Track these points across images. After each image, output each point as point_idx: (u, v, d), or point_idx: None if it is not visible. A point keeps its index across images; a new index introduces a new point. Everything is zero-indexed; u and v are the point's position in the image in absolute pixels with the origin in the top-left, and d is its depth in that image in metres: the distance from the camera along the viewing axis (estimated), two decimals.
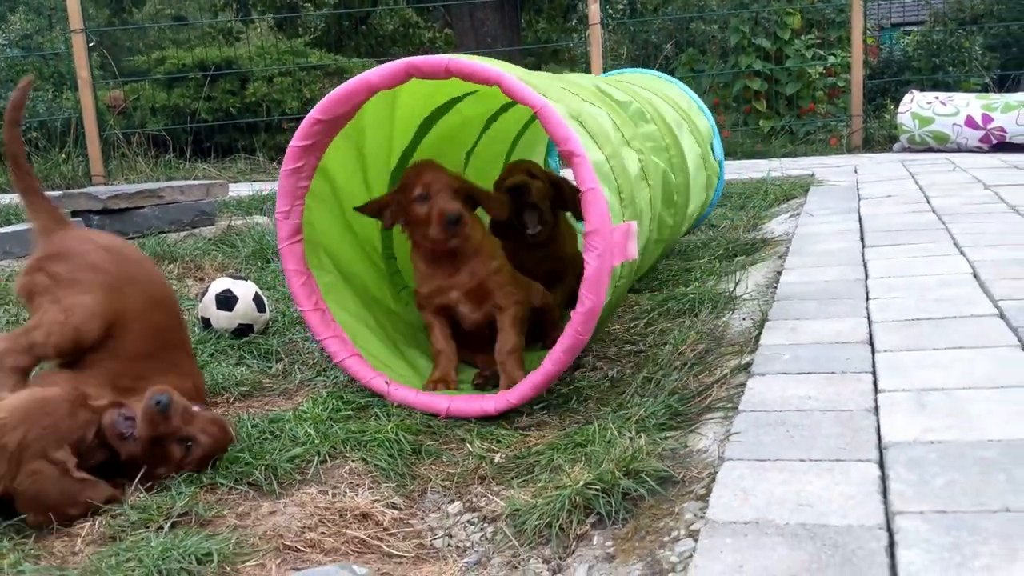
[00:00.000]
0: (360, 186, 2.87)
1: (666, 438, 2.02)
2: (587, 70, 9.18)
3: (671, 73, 10.83)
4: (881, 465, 1.59)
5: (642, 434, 1.97)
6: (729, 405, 2.10)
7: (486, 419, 2.34)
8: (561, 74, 3.48)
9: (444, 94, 2.90)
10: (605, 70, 8.59)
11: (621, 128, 2.78)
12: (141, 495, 1.93)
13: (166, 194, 4.77)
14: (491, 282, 2.61)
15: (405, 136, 3.00)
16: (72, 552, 1.73)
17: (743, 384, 2.21)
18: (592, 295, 2.19)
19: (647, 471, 1.79)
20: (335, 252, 2.75)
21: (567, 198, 3.15)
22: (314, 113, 2.37)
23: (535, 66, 16.70)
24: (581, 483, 1.77)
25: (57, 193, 4.94)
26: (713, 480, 1.69)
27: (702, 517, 1.57)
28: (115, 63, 10.67)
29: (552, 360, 2.27)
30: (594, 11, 8.40)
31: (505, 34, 14.73)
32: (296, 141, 2.41)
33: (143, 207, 4.68)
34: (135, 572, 1.57)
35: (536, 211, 3.09)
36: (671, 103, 4.11)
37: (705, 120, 4.42)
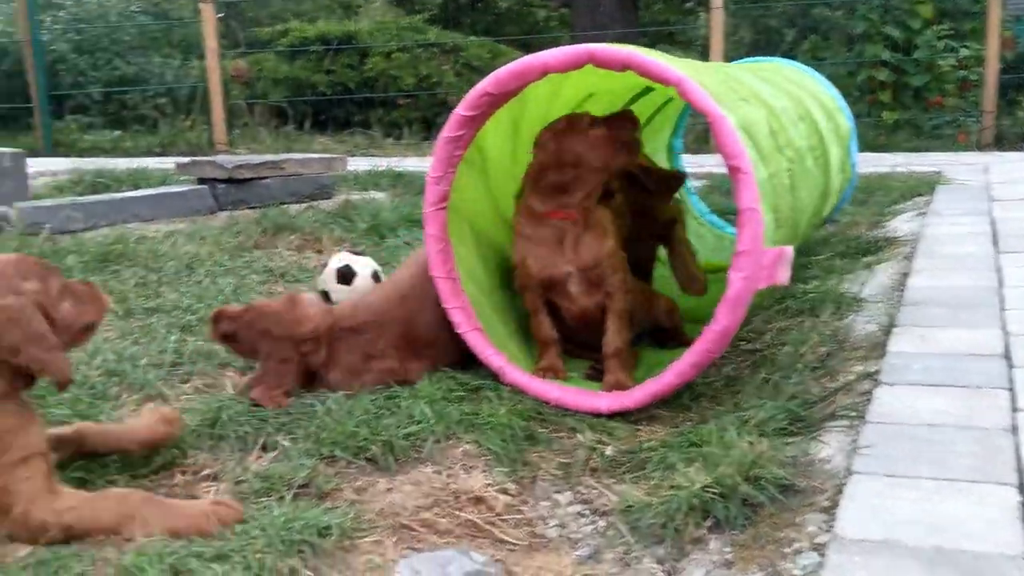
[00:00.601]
0: (509, 161, 2.87)
1: (787, 444, 1.97)
2: (704, 55, 9.01)
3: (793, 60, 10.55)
4: (1022, 490, 1.51)
5: (762, 440, 1.92)
6: (854, 414, 2.04)
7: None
8: (711, 64, 3.40)
9: (608, 83, 2.86)
10: (724, 56, 8.41)
11: (776, 134, 2.70)
12: (264, 463, 1.98)
13: (288, 166, 4.88)
14: (606, 264, 2.54)
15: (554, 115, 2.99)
16: None
17: (869, 393, 2.14)
18: (728, 316, 2.13)
19: (768, 478, 1.74)
20: (477, 225, 2.77)
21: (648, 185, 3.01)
22: (484, 85, 2.38)
23: (648, 47, 16.50)
24: (698, 485, 1.74)
25: (185, 160, 5.11)
26: (839, 493, 1.64)
27: (827, 531, 1.53)
28: (240, 33, 10.99)
29: (675, 373, 2.23)
30: (716, 15, 8.20)
31: (622, 15, 14.57)
32: (461, 110, 2.43)
33: (266, 178, 4.81)
34: (259, 540, 1.61)
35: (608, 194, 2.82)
36: (817, 100, 3.97)
37: (846, 121, 4.22)
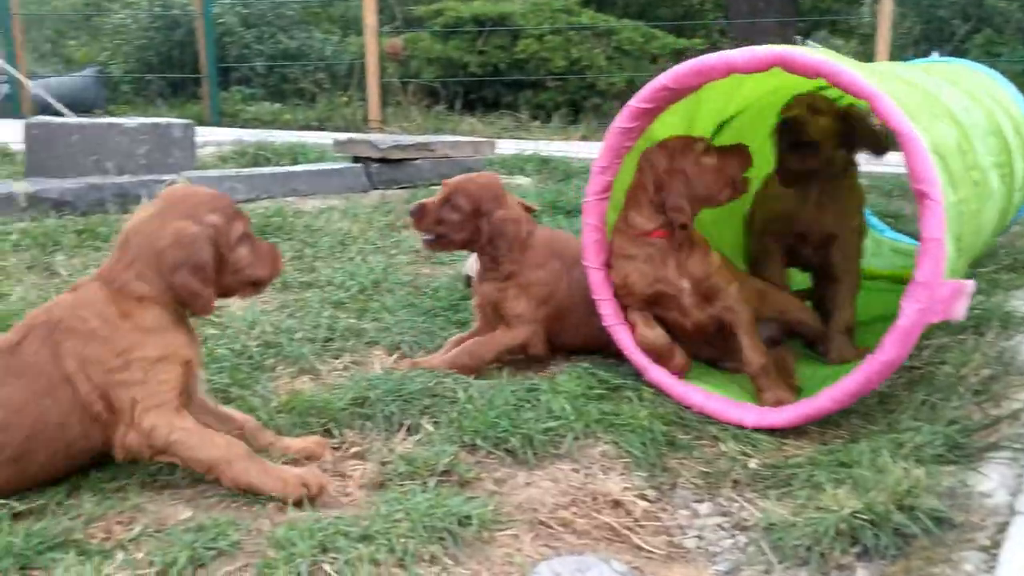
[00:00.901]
0: None
1: (944, 472, 1.88)
2: (867, 45, 8.62)
3: (963, 56, 9.96)
4: None
5: (918, 467, 1.84)
6: (1018, 446, 1.93)
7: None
8: (902, 69, 3.21)
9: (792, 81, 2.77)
10: (891, 48, 8.05)
11: (965, 154, 2.55)
12: (409, 446, 2.03)
13: (438, 149, 4.97)
14: (717, 277, 2.46)
15: (729, 112, 2.94)
16: (344, 493, 1.85)
17: None
18: (896, 348, 2.04)
19: (923, 508, 1.67)
20: None
21: (862, 138, 2.76)
22: (664, 79, 2.35)
23: (804, 33, 15.90)
24: (848, 510, 1.68)
25: (342, 138, 5.27)
26: (1001, 531, 1.56)
27: (987, 572, 1.45)
28: (397, 11, 11.22)
29: (831, 399, 2.15)
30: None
31: (780, 0, 14.11)
32: (637, 102, 2.41)
33: (416, 159, 4.92)
34: (402, 524, 1.65)
35: (812, 150, 2.65)
36: (1006, 112, 3.72)
37: None
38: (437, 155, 4.98)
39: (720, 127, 3.12)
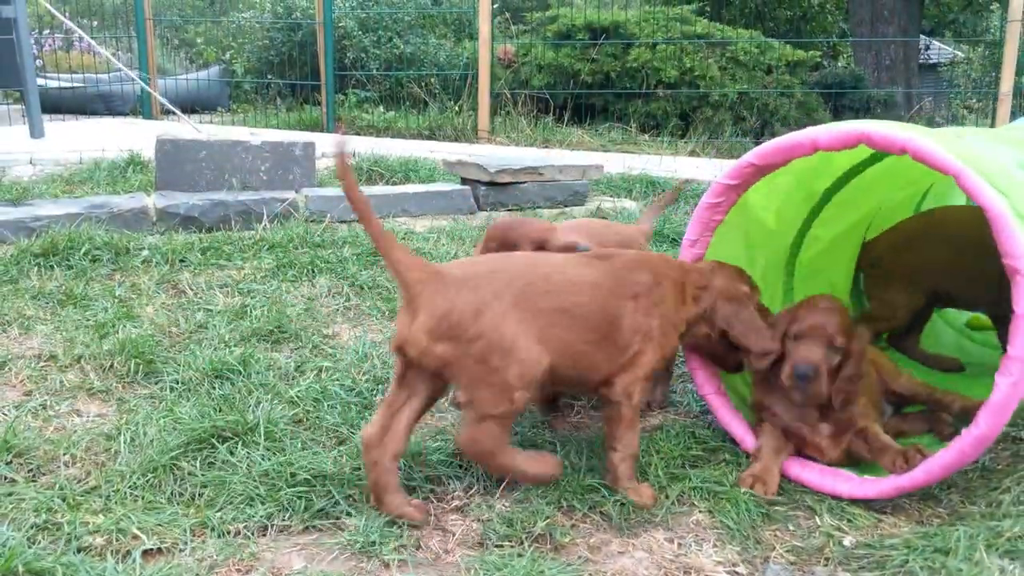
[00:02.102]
0: (772, 220, 2.82)
1: None
2: (995, 56, 8.29)
3: None
4: None
5: (1014, 563, 1.82)
6: None
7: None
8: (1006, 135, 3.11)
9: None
10: (1018, 64, 7.75)
11: None
12: (507, 504, 2.12)
13: (546, 172, 5.04)
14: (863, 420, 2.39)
15: (827, 180, 2.91)
16: (446, 550, 1.95)
17: None
18: (990, 422, 2.03)
19: None
20: None
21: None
22: (749, 157, 2.41)
23: (927, 34, 15.37)
24: None
25: (453, 158, 5.39)
26: None
27: None
28: (510, 18, 11.33)
29: (925, 471, 2.14)
30: (1016, 6, 7.52)
31: (904, 6, 13.70)
32: (724, 179, 2.47)
33: (524, 182, 5.00)
34: None
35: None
36: None
37: None
38: (545, 179, 5.06)
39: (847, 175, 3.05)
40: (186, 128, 6.11)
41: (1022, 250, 2.00)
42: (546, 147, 8.10)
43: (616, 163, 6.71)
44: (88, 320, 3.16)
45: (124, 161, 5.76)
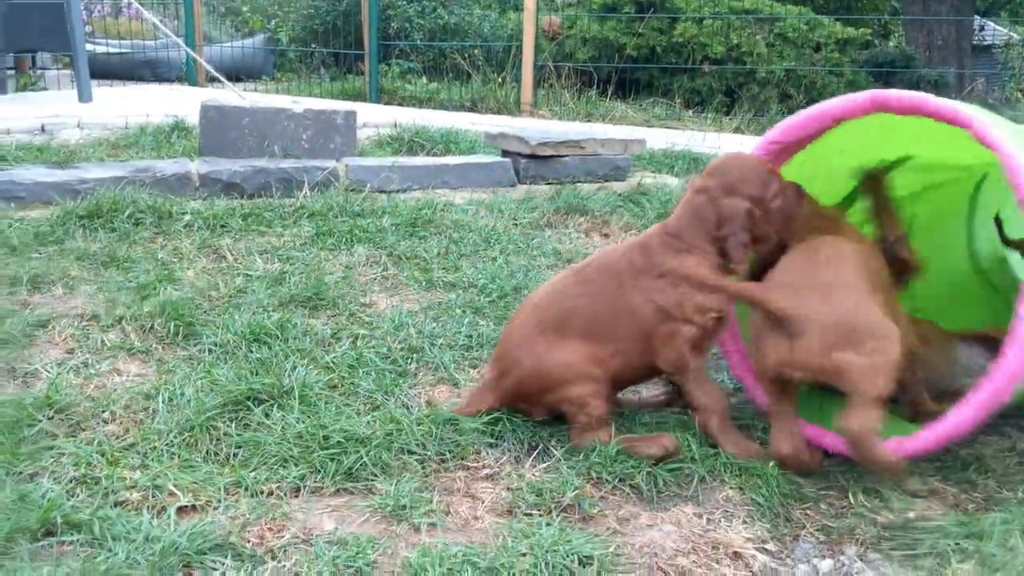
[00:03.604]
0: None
1: None
2: None
3: None
4: None
5: None
6: None
7: (873, 473, 2.24)
8: None
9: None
10: None
11: None
12: (537, 473, 2.12)
13: (587, 146, 5.01)
14: None
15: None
16: (475, 516, 1.96)
17: None
18: (1019, 353, 2.00)
19: None
20: None
21: None
22: (772, 133, 2.39)
23: (982, 13, 14.99)
24: None
25: (494, 131, 5.38)
26: None
27: None
28: None
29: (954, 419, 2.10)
30: None
31: None
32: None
33: (565, 156, 4.98)
34: (526, 559, 1.75)
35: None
36: None
37: None
38: (587, 153, 5.02)
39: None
40: (230, 95, 6.16)
41: None
42: (589, 121, 8.05)
43: (659, 138, 6.64)
44: (130, 282, 3.20)
45: (169, 126, 5.82)
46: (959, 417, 2.10)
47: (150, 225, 3.84)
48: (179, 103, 7.14)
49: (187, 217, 3.98)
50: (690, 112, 8.80)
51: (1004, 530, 1.91)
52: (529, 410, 2.35)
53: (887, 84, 10.77)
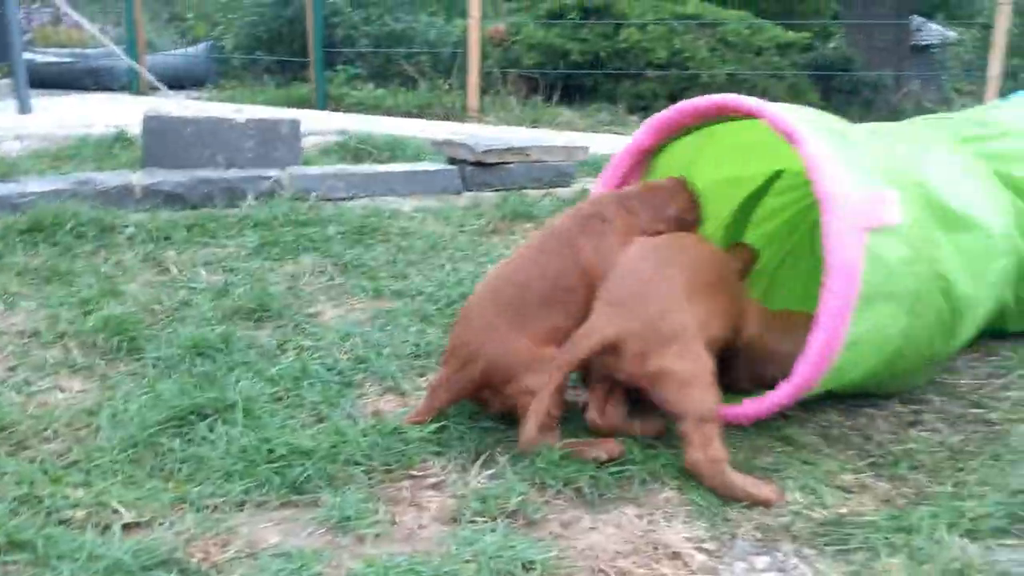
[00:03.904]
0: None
1: (1001, 546, 1.91)
2: (984, 37, 8.32)
3: None
4: None
5: (974, 544, 1.88)
6: None
7: (807, 470, 2.31)
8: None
9: None
10: (1008, 47, 7.79)
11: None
12: (483, 481, 2.16)
13: (532, 153, 5.07)
14: None
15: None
16: (420, 525, 1.99)
17: None
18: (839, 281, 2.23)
19: None
20: None
21: None
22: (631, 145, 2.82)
23: (924, 15, 15.36)
24: None
25: (440, 137, 5.41)
26: None
27: None
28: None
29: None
30: None
31: None
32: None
33: (511, 163, 5.03)
34: (469, 564, 1.78)
35: None
36: None
37: None
38: (531, 159, 5.08)
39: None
40: (173, 105, 6.11)
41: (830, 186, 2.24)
42: (535, 127, 8.11)
43: (604, 144, 6.71)
44: (72, 297, 3.18)
45: (111, 137, 5.77)
46: (776, 397, 2.37)
47: (92, 239, 3.81)
48: (121, 113, 7.06)
49: (130, 230, 3.95)
50: (634, 117, 8.89)
51: (932, 524, 1.98)
52: (490, 401, 2.37)
53: (827, 86, 11.01)
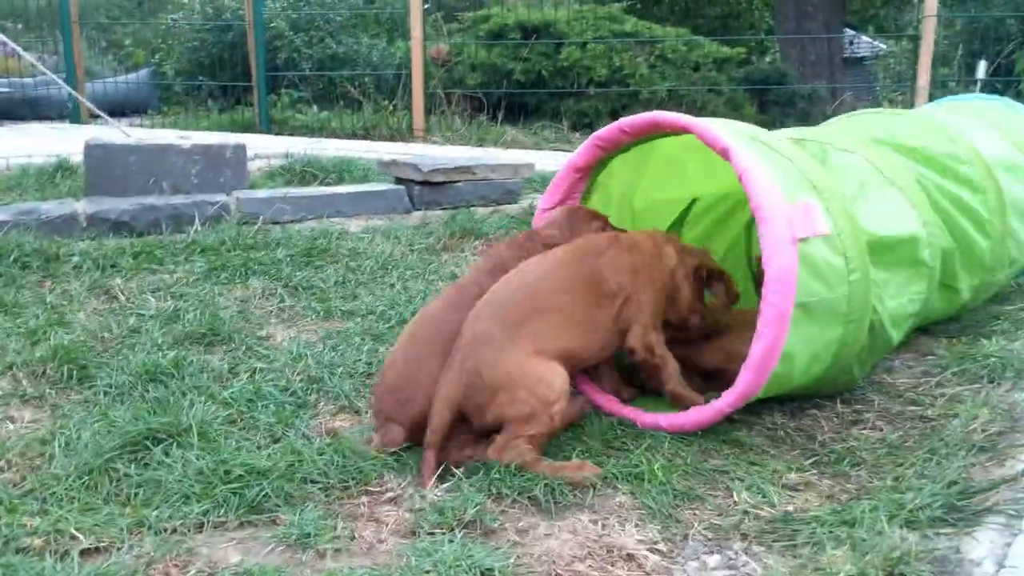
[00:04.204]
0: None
1: (939, 535, 2.00)
2: (913, 49, 8.60)
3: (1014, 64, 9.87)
4: None
5: (913, 532, 1.96)
6: (1012, 512, 2.04)
7: (755, 470, 2.39)
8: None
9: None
10: (935, 57, 8.06)
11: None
12: (439, 494, 2.19)
13: (479, 171, 5.12)
14: None
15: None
16: (379, 539, 2.02)
17: None
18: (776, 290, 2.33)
19: None
20: None
21: None
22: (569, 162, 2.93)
23: (854, 29, 15.80)
24: (843, 574, 1.81)
25: (387, 158, 5.44)
26: None
27: None
28: (444, 17, 11.37)
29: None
30: (930, 2, 7.82)
31: (828, 3, 14.04)
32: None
33: (458, 182, 5.07)
34: (429, 574, 1.81)
35: None
36: (1010, 137, 3.83)
37: None
38: (478, 178, 5.13)
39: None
40: (116, 133, 6.06)
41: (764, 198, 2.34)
42: (481, 145, 8.18)
43: (550, 161, 6.80)
44: (19, 327, 3.15)
45: (52, 167, 5.69)
46: (720, 404, 2.49)
47: (37, 268, 3.77)
48: (62, 142, 6.98)
49: (75, 259, 3.92)
50: (578, 134, 9.01)
51: (873, 516, 2.06)
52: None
53: (763, 100, 11.26)
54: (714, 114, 10.13)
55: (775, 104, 11.08)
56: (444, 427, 2.30)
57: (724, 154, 2.47)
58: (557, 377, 2.33)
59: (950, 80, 10.26)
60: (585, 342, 2.48)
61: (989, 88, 9.25)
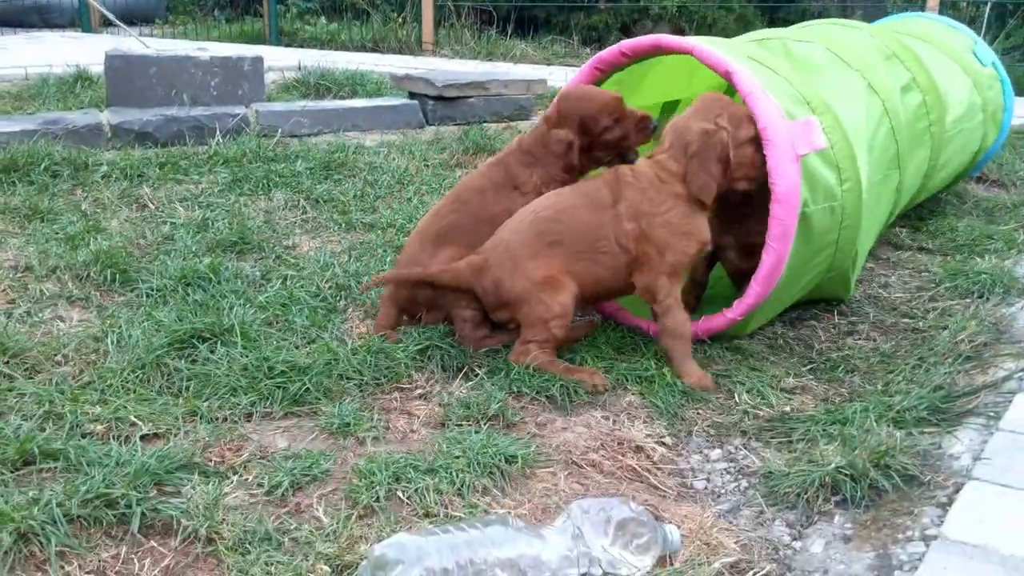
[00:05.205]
0: None
1: (923, 433, 2.19)
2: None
3: None
4: None
5: (899, 430, 2.15)
6: (992, 415, 2.23)
7: (755, 375, 2.57)
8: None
9: None
10: None
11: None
12: (464, 391, 2.38)
13: (492, 87, 5.21)
14: None
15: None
16: (411, 429, 2.21)
17: (1012, 394, 2.31)
18: (783, 208, 2.44)
19: (895, 467, 1.99)
20: None
21: None
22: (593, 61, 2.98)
23: None
24: (833, 465, 2.00)
25: (400, 72, 5.52)
26: (957, 491, 1.88)
27: (938, 525, 1.77)
28: None
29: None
30: None
31: None
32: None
33: (471, 97, 5.17)
34: (460, 460, 2.01)
35: None
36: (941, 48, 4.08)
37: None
38: (491, 93, 5.23)
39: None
40: (133, 43, 6.11)
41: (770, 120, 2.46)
42: (490, 60, 8.20)
43: (560, 76, 6.85)
44: (58, 233, 3.31)
45: (72, 77, 5.78)
46: (731, 313, 2.63)
47: (68, 177, 3.91)
48: (78, 52, 7.03)
49: (104, 168, 4.06)
50: (588, 49, 9.02)
51: (863, 416, 2.25)
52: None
53: (773, 17, 11.17)
54: (724, 31, 10.10)
55: (785, 21, 10.99)
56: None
57: (727, 77, 2.59)
58: (559, 296, 2.50)
59: (961, 1, 10.16)
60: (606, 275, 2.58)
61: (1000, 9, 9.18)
